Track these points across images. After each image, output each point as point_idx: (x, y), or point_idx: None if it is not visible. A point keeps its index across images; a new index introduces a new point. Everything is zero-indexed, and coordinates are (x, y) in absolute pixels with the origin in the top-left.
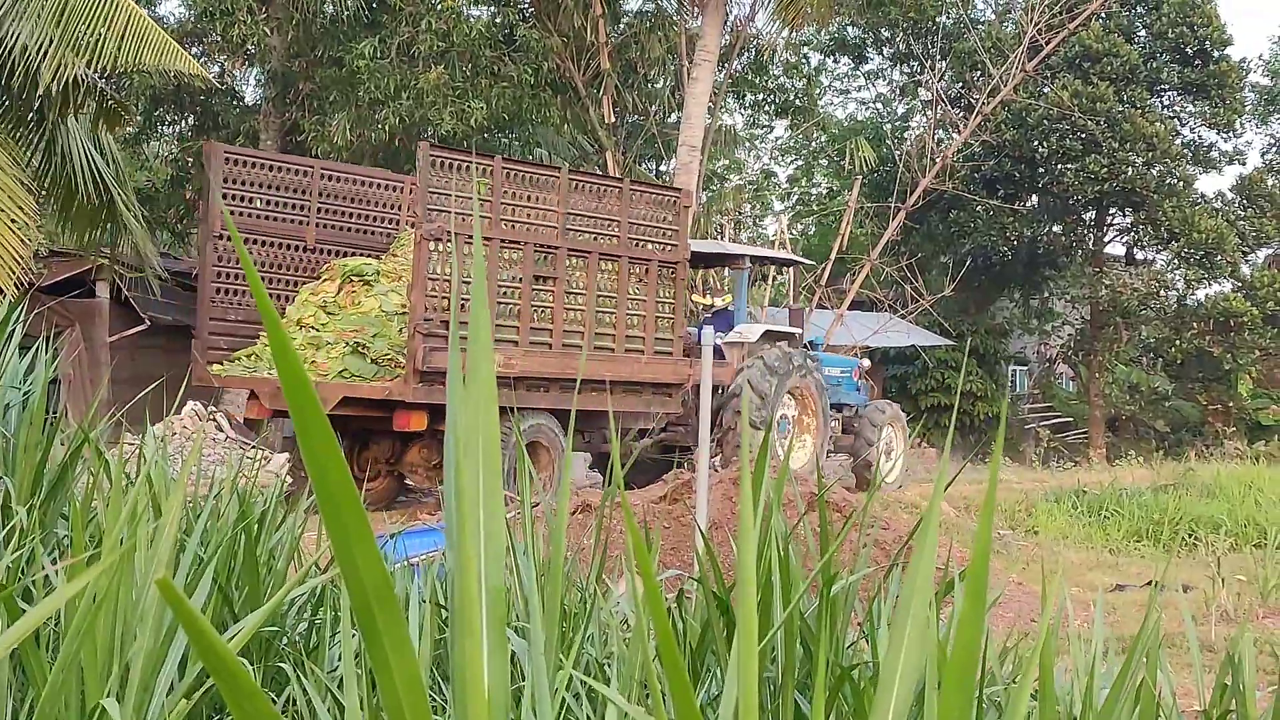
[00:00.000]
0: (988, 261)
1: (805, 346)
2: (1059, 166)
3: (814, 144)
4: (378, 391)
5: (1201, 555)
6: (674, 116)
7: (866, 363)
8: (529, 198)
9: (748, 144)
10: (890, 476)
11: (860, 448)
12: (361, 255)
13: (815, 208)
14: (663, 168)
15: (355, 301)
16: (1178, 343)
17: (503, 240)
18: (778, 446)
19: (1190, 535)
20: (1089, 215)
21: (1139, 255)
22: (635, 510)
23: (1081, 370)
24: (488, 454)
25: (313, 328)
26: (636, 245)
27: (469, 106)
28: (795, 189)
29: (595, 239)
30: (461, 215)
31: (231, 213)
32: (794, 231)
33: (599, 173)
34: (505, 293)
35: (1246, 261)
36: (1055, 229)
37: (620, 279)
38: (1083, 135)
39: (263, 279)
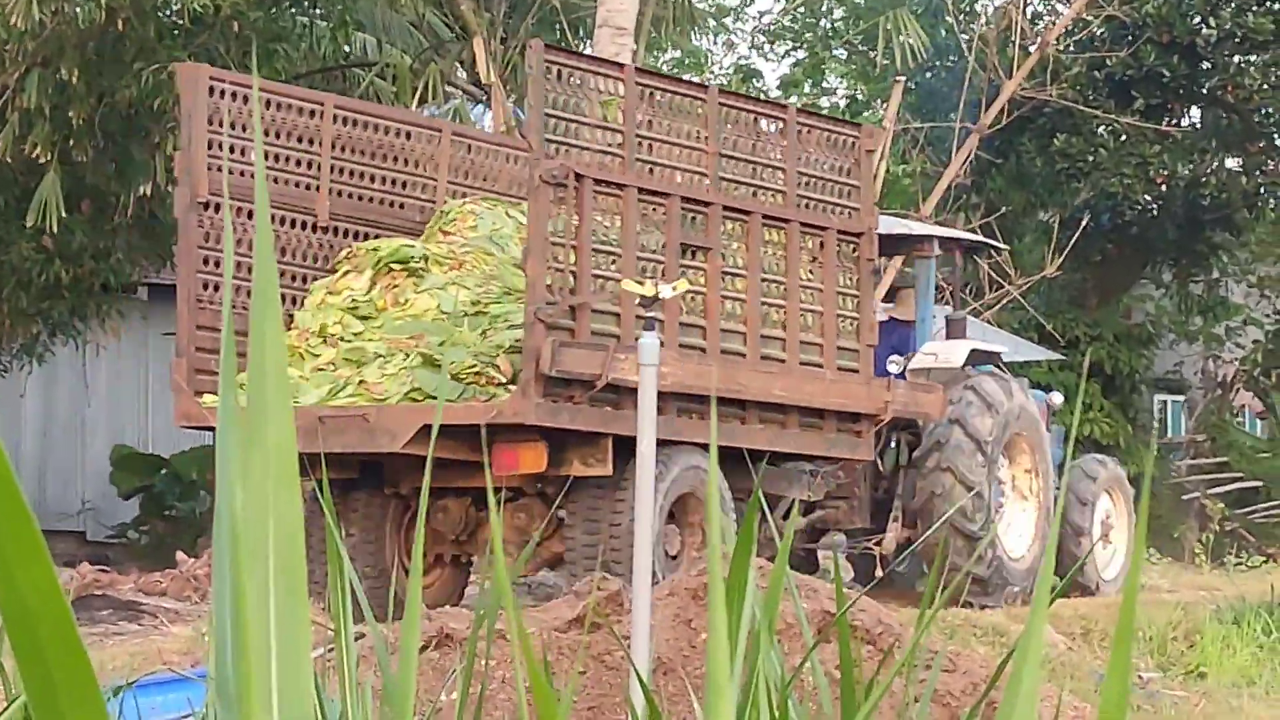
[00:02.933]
0: (1119, 220)
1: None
2: (1236, 59)
3: (825, 23)
4: (477, 414)
5: None
6: None
7: (1058, 398)
8: (670, 129)
9: (714, 24)
10: (1109, 572)
11: (1067, 527)
12: (391, 236)
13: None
14: None
15: (401, 300)
16: None
17: (641, 190)
18: (989, 522)
19: None
20: None
21: None
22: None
23: (1277, 402)
24: (285, 552)
25: (342, 339)
26: (807, 206)
27: None
28: (794, 98)
29: (755, 194)
30: (588, 149)
31: (218, 170)
32: None
33: (736, 91)
34: (644, 268)
35: None
36: (1231, 164)
37: (790, 254)
38: (1277, 5)
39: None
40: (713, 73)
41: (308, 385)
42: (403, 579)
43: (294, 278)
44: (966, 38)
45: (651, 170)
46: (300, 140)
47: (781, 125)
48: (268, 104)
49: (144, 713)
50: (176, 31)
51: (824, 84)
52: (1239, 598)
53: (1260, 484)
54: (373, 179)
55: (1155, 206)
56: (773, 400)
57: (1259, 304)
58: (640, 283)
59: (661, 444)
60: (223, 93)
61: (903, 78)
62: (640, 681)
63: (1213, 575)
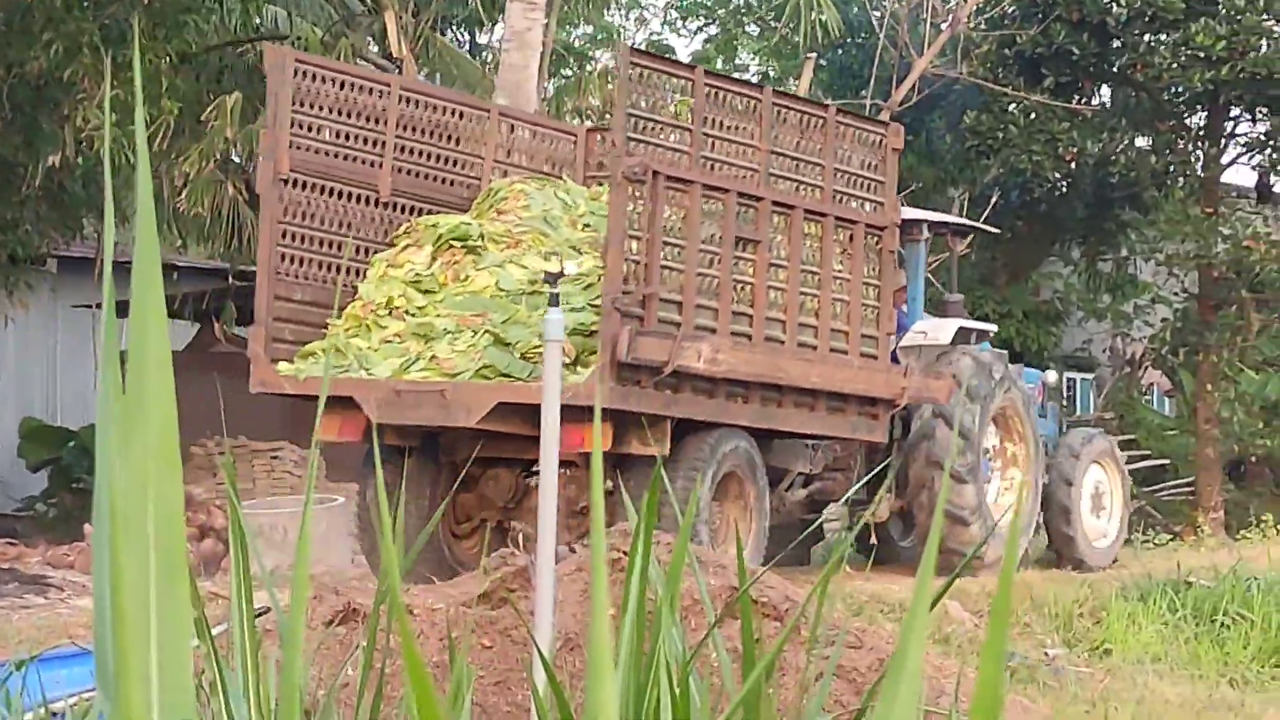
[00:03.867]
0: (1028, 197)
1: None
2: (1146, 38)
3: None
4: None
5: None
6: None
7: (1053, 375)
8: (729, 127)
9: None
10: (1101, 542)
11: (1051, 499)
12: (442, 212)
13: None
14: (481, 39)
15: (460, 276)
16: None
17: (705, 186)
18: (977, 492)
19: None
20: (1197, 120)
21: None
22: (436, 617)
23: (1185, 380)
24: (165, 531)
25: (408, 312)
26: (841, 200)
27: None
28: None
29: (797, 189)
30: (666, 149)
31: (298, 148)
32: None
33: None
34: (703, 259)
35: None
36: (1140, 142)
37: (825, 246)
38: None
39: (329, 243)
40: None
41: (376, 357)
42: (451, 543)
43: (358, 251)
44: (878, 15)
45: (712, 166)
46: (368, 119)
47: (822, 123)
48: (341, 84)
49: (48, 686)
50: (86, 3)
51: (736, 60)
52: (1145, 575)
53: (1167, 462)
54: (428, 156)
55: (1064, 184)
56: (807, 386)
57: (1167, 282)
58: (546, 258)
59: (711, 426)
60: (305, 74)
61: (814, 54)
62: (542, 658)
63: (1120, 552)
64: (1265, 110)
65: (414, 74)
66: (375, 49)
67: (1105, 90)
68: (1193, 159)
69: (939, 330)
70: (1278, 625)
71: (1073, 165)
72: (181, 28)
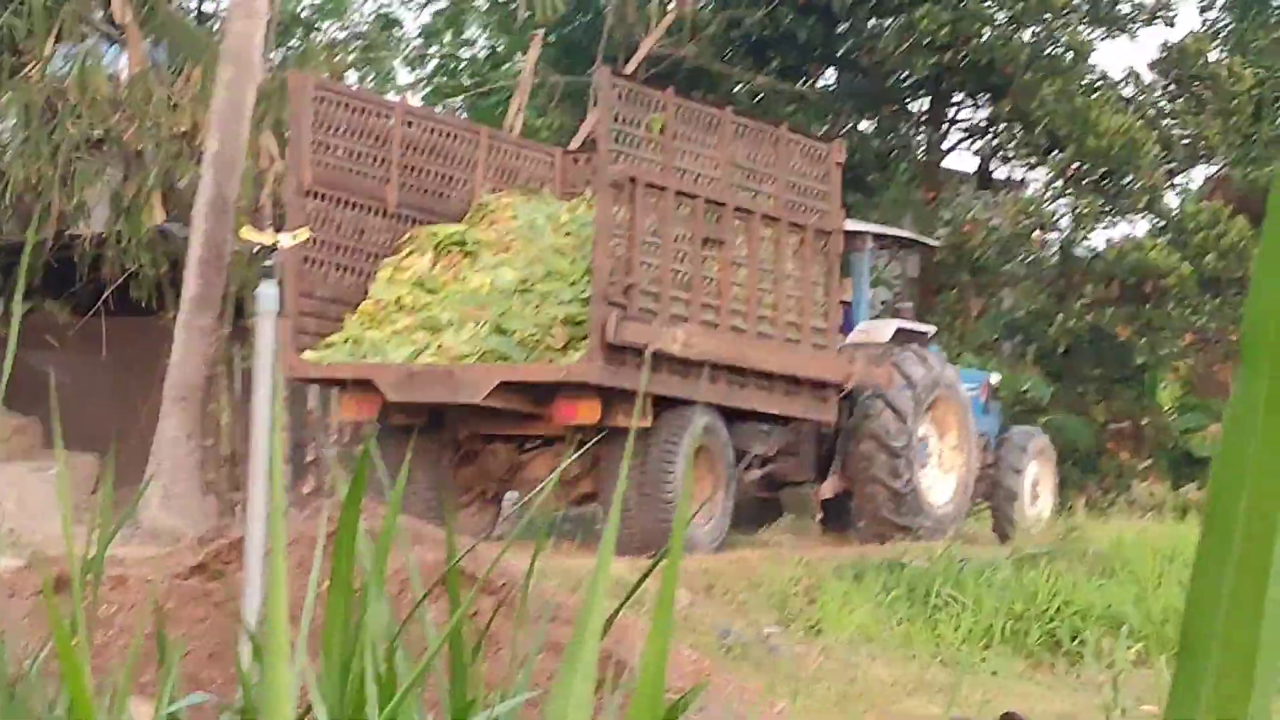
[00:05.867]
0: None
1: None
2: (871, 23)
3: None
4: (550, 373)
5: (1090, 671)
6: None
7: (996, 377)
8: (696, 141)
9: None
10: (1036, 527)
11: (998, 489)
12: (439, 223)
13: (467, 81)
14: (206, 6)
15: (459, 277)
16: (1060, 318)
17: (677, 192)
18: (915, 478)
19: (1073, 638)
20: (919, 105)
21: (1000, 173)
22: (149, 588)
23: None
24: None
25: (415, 309)
26: (792, 208)
27: None
28: (435, 48)
29: (754, 197)
30: (641, 159)
31: (318, 164)
32: None
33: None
34: (677, 256)
35: (1173, 186)
36: (864, 126)
37: (780, 248)
38: None
39: (345, 251)
40: (353, 20)
41: (390, 346)
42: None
43: (369, 257)
44: None
45: (682, 175)
46: (376, 139)
47: (775, 139)
48: (352, 109)
49: None
50: None
51: (464, 34)
52: (859, 556)
53: None
54: (427, 174)
55: None
56: (766, 369)
57: (889, 265)
58: (260, 230)
59: (686, 403)
60: (323, 100)
61: (542, 30)
62: (249, 633)
63: (832, 533)
64: (987, 96)
65: (138, 41)
66: (100, 15)
67: (830, 73)
68: (915, 143)
69: (879, 330)
70: (989, 607)
71: None
72: None
